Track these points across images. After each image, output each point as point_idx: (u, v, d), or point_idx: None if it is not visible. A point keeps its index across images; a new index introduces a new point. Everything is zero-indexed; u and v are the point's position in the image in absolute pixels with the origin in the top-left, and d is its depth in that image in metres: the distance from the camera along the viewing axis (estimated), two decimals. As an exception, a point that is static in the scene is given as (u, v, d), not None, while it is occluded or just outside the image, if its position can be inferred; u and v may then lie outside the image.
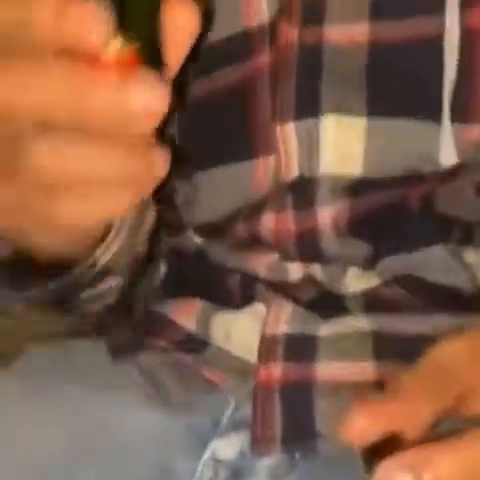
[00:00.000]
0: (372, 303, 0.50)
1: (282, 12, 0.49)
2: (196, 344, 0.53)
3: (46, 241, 0.35)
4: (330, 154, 0.49)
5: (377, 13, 0.48)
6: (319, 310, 0.50)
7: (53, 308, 0.51)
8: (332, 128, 0.49)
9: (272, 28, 0.49)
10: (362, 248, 0.50)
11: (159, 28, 0.26)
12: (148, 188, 0.28)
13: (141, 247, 0.51)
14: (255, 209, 0.51)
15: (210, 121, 0.52)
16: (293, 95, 0.49)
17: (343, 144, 0.49)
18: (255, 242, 0.52)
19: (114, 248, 0.46)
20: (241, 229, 0.52)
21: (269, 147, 0.50)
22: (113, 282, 0.50)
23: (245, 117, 0.51)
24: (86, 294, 0.49)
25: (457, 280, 0.50)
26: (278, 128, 0.49)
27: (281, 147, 0.49)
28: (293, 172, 0.49)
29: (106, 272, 0.48)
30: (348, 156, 0.49)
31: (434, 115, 0.48)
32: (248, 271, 0.52)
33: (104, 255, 0.46)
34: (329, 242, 0.50)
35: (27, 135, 0.26)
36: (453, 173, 0.49)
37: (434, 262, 0.50)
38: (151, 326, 0.55)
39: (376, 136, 0.48)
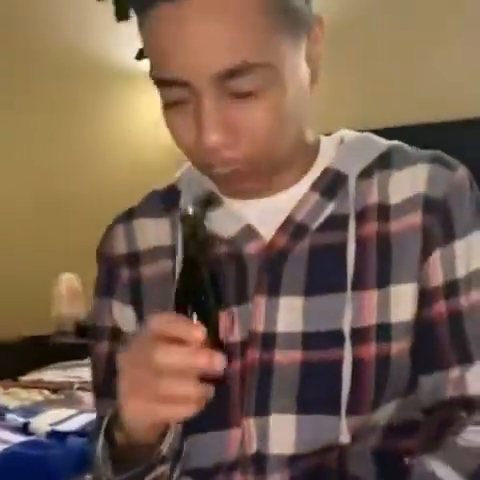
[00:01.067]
0: None
1: (250, 339, 0.76)
2: None
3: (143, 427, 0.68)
4: (276, 441, 0.74)
5: (306, 345, 0.75)
6: None
7: None
8: (276, 422, 0.74)
9: (243, 346, 0.76)
10: None
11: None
12: (198, 408, 0.65)
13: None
14: (229, 468, 0.76)
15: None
16: (254, 400, 0.75)
17: (280, 426, 0.74)
18: None
19: (170, 439, 0.72)
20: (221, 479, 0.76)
21: (239, 423, 0.76)
22: (163, 468, 0.73)
23: (224, 401, 0.75)
24: (149, 477, 0.72)
25: None
26: (244, 420, 0.75)
27: (246, 432, 0.75)
28: (253, 449, 0.75)
29: (163, 458, 0.72)
30: (286, 441, 0.74)
31: (336, 412, 0.73)
32: None
33: (166, 443, 0.71)
34: None
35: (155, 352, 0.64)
36: (353, 442, 0.73)
37: None
38: None
39: (303, 430, 0.74)
